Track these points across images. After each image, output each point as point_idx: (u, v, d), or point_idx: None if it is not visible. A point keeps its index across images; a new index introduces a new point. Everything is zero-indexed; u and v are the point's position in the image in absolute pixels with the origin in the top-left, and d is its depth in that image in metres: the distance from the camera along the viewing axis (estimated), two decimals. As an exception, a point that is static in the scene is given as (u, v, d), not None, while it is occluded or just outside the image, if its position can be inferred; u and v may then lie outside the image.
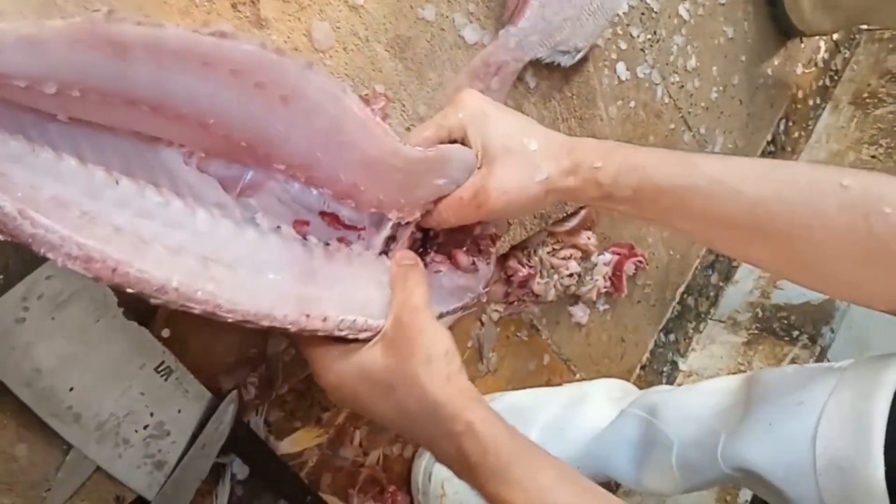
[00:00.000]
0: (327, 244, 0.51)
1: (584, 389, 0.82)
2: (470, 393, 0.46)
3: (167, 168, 0.46)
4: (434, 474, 0.72)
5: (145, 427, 0.54)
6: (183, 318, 0.49)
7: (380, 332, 0.49)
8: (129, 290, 0.41)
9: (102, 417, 0.52)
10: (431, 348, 0.46)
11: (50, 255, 0.40)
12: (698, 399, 0.74)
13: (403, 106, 0.65)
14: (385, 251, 0.55)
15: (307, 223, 0.51)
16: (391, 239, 0.55)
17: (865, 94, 1.25)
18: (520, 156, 0.54)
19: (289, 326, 0.46)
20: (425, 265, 0.55)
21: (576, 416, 0.78)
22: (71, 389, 0.50)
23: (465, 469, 0.45)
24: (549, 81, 0.74)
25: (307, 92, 0.45)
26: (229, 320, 0.44)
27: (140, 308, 0.51)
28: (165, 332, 0.54)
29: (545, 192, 0.55)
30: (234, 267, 0.45)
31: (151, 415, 0.54)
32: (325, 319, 0.47)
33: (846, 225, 0.48)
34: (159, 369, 0.54)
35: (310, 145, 0.47)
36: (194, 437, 0.56)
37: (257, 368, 0.60)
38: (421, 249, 0.58)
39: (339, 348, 0.49)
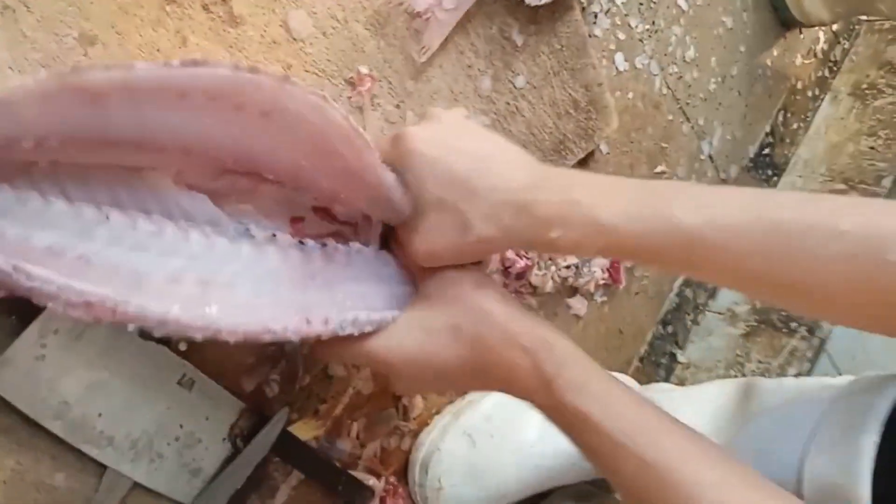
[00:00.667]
0: (324, 244, 0.51)
1: None
2: (528, 311, 0.49)
3: (155, 192, 0.46)
4: (431, 467, 0.72)
5: (176, 439, 0.55)
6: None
7: (386, 323, 0.50)
8: (131, 327, 0.42)
9: (134, 436, 0.53)
10: (476, 278, 0.50)
11: (50, 305, 0.41)
12: (694, 406, 0.74)
13: (391, 83, 0.64)
14: (385, 246, 0.54)
15: (302, 219, 0.51)
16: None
17: (865, 86, 1.24)
18: (450, 213, 0.49)
19: (291, 336, 0.46)
20: None
21: None
22: (100, 415, 0.51)
23: (541, 385, 0.46)
24: (537, 37, 0.74)
25: (287, 105, 0.45)
26: (231, 342, 0.45)
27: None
28: (183, 346, 0.55)
29: (483, 249, 0.50)
30: (232, 286, 0.45)
31: (181, 426, 0.55)
32: (326, 322, 0.47)
33: (847, 276, 0.43)
34: (182, 382, 0.55)
35: (294, 156, 0.47)
36: (224, 439, 0.58)
37: (277, 365, 0.61)
38: None
39: (383, 332, 0.50)
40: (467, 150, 0.50)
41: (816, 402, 0.61)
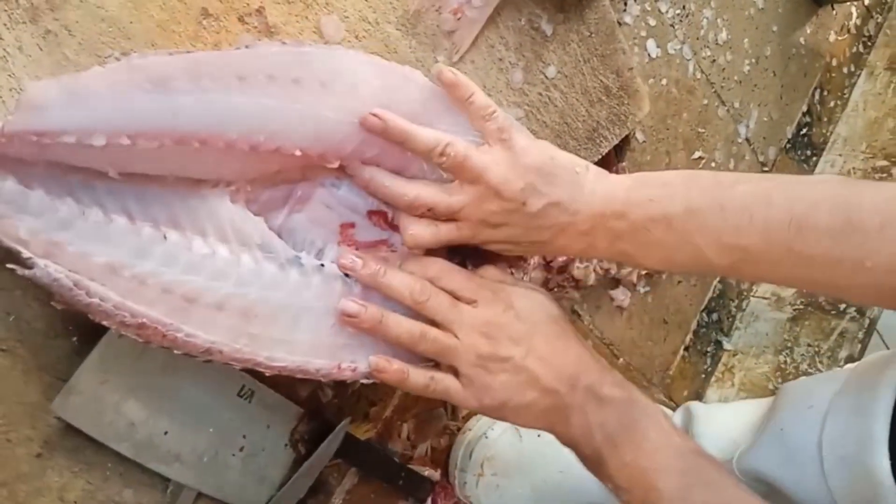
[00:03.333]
0: None
1: None
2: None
3: (213, 212, 0.47)
4: (475, 452, 0.72)
5: (241, 449, 0.56)
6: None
7: None
8: (177, 352, 0.45)
9: (200, 451, 0.54)
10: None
11: (105, 323, 0.43)
12: (728, 412, 0.75)
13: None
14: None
15: (353, 225, 0.52)
16: None
17: (899, 60, 1.22)
18: None
19: (321, 378, 0.49)
20: None
21: None
22: (165, 433, 0.52)
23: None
24: (566, 25, 0.73)
25: (343, 68, 0.46)
26: (267, 374, 0.48)
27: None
28: None
29: None
30: (274, 318, 0.47)
31: (244, 437, 0.56)
32: (354, 370, 0.50)
33: (877, 299, 0.48)
34: (241, 394, 0.56)
35: (357, 123, 0.48)
36: (286, 445, 0.59)
37: None
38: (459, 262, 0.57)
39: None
40: None
41: (830, 385, 0.61)
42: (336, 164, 0.48)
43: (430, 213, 0.51)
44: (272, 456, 0.58)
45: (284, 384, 0.59)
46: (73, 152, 0.41)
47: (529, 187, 0.50)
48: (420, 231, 0.51)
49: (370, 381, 0.51)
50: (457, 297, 0.50)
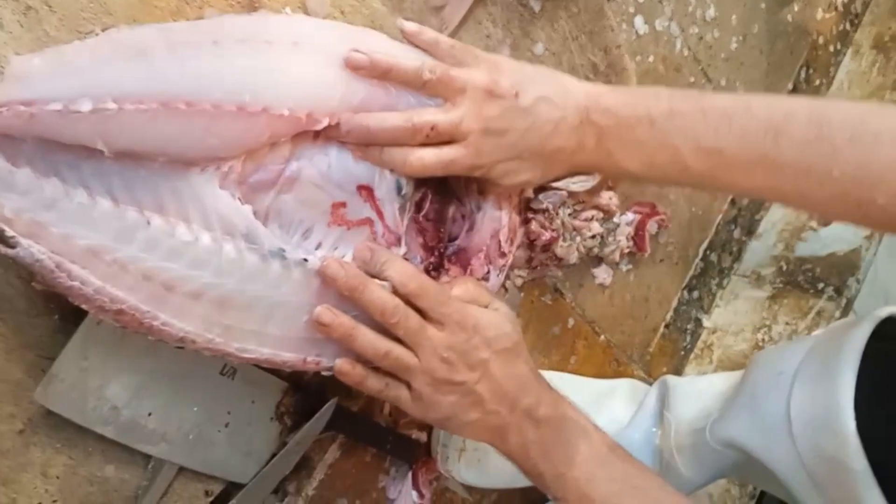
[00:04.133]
0: None
1: (612, 385, 0.85)
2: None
3: (199, 198, 0.46)
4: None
5: (226, 425, 0.57)
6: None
7: None
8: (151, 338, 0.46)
9: (185, 429, 0.55)
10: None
11: (84, 307, 0.44)
12: (703, 384, 0.77)
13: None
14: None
15: (344, 205, 0.51)
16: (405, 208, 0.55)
17: (887, 38, 1.22)
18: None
19: (287, 368, 0.51)
20: (440, 275, 0.57)
21: (599, 411, 0.80)
22: (150, 414, 0.53)
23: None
24: (554, 1, 0.73)
25: (308, 30, 0.48)
26: (235, 362, 0.50)
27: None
28: None
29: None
30: (249, 309, 0.48)
31: (229, 413, 0.57)
32: (318, 363, 0.52)
33: (840, 211, 0.52)
34: (223, 372, 0.56)
35: (337, 72, 0.49)
36: (272, 419, 0.60)
37: None
38: (436, 261, 0.57)
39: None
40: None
41: (799, 350, 0.63)
42: (325, 123, 0.48)
43: (433, 135, 0.51)
44: (258, 430, 0.59)
45: (268, 362, 0.59)
46: (61, 123, 0.41)
47: (517, 82, 0.52)
48: (425, 153, 0.51)
49: (330, 374, 0.52)
50: (426, 318, 0.51)
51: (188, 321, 0.46)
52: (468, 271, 0.57)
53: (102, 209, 0.43)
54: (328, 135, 0.50)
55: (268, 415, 0.59)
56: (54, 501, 0.51)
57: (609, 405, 0.81)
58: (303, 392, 0.61)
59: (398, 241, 0.54)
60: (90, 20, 0.48)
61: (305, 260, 0.49)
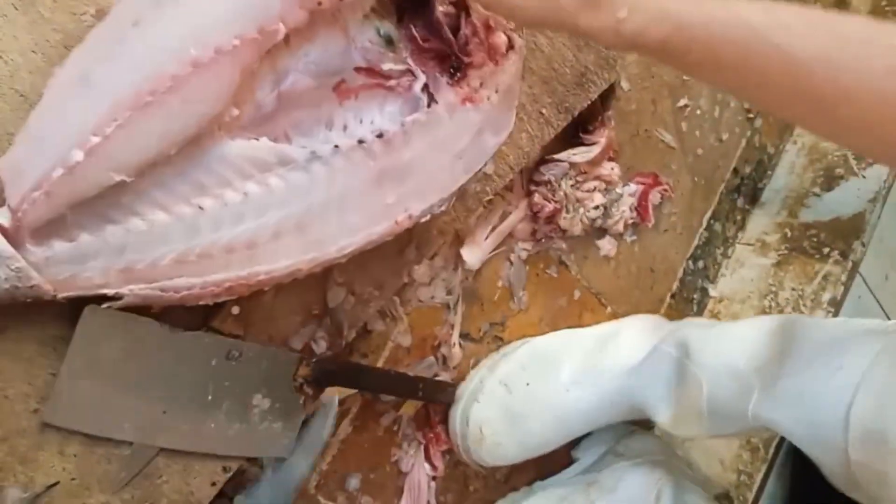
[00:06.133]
0: (380, 135, 0.51)
1: (616, 326, 0.82)
2: None
3: (224, 159, 0.48)
4: (471, 418, 0.73)
5: (246, 406, 0.57)
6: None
7: None
8: (266, 289, 0.51)
9: (204, 419, 0.55)
10: None
11: (201, 302, 0.48)
12: (732, 343, 0.71)
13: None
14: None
15: (343, 81, 0.52)
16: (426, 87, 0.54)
17: (884, 2, 1.21)
18: None
19: (388, 237, 0.53)
20: (466, 71, 0.54)
21: (609, 351, 0.78)
22: (164, 412, 0.54)
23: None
24: None
25: None
26: (344, 262, 0.53)
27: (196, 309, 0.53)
28: (235, 310, 0.57)
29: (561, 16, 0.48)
30: (324, 216, 0.50)
31: (247, 395, 0.57)
32: (410, 217, 0.54)
33: (886, 93, 0.44)
34: (229, 357, 0.56)
35: None
36: (292, 392, 0.60)
37: (322, 322, 0.62)
38: (456, 61, 0.55)
39: None
40: None
41: (867, 348, 0.59)
42: (283, 30, 0.47)
43: None
44: (282, 405, 0.59)
45: (277, 337, 0.60)
46: (74, 181, 0.43)
47: None
48: None
49: (427, 217, 0.55)
50: None
51: (284, 259, 0.49)
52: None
53: (161, 222, 0.46)
54: (298, 34, 0.49)
55: (287, 388, 0.59)
56: (72, 479, 0.51)
57: (615, 342, 0.79)
58: (316, 360, 0.61)
59: (412, 74, 0.54)
60: (83, 2, 0.48)
61: (337, 147, 0.50)
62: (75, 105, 0.44)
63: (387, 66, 0.53)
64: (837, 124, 0.47)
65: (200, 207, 0.47)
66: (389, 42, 0.52)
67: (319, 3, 0.48)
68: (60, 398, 0.50)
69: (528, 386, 0.76)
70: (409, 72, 0.53)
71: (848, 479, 0.58)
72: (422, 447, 0.74)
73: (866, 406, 0.56)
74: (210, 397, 0.55)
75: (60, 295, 0.46)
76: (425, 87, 0.53)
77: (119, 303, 0.47)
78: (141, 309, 0.50)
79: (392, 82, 0.53)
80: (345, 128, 0.52)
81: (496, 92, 0.55)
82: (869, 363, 0.57)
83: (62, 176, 0.43)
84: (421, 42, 0.54)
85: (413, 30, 0.53)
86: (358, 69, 0.52)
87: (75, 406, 0.50)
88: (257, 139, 0.49)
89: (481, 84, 0.54)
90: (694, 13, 0.46)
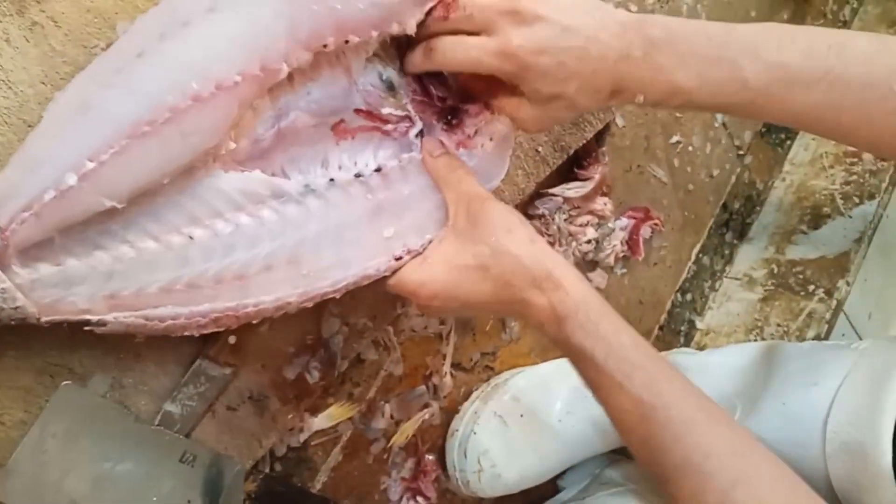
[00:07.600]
0: (378, 169, 0.52)
1: None
2: (553, 253, 0.51)
3: (217, 190, 0.48)
4: (469, 450, 0.74)
5: None
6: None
7: (442, 230, 0.54)
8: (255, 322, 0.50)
9: None
10: (508, 221, 0.51)
11: (186, 333, 0.48)
12: (718, 369, 0.74)
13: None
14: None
15: (342, 121, 0.53)
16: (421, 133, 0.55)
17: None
18: (560, 100, 0.50)
19: (386, 273, 0.53)
20: (462, 118, 0.55)
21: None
22: None
23: (554, 321, 0.49)
24: None
25: None
26: (338, 297, 0.52)
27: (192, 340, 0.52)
28: (232, 339, 0.57)
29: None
30: (317, 250, 0.50)
31: (189, 502, 0.55)
32: (409, 251, 0.53)
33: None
34: (183, 459, 0.55)
35: (267, 14, 0.46)
36: (234, 499, 0.58)
37: (317, 353, 0.63)
38: (452, 107, 0.56)
39: (414, 263, 0.53)
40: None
41: (840, 364, 0.62)
42: (286, 69, 0.47)
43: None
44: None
45: (270, 367, 0.60)
46: (65, 205, 0.43)
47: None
48: (449, 43, 0.50)
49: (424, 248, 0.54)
50: None
51: (274, 291, 0.49)
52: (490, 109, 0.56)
53: (150, 251, 0.46)
54: (301, 72, 0.49)
55: (231, 500, 0.58)
56: None
57: None
58: (265, 476, 0.62)
59: (409, 120, 0.54)
60: (95, 35, 0.49)
61: (332, 180, 0.50)
62: (73, 130, 0.43)
63: (386, 111, 0.53)
64: (845, 141, 0.55)
65: (191, 237, 0.47)
66: (391, 87, 0.53)
67: (325, 46, 0.49)
68: (14, 475, 0.48)
69: (523, 417, 0.77)
70: (408, 118, 0.54)
71: (829, 492, 0.60)
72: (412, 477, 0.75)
73: (841, 420, 0.58)
74: (154, 498, 0.54)
75: (44, 318, 0.45)
76: (420, 134, 0.54)
77: (103, 329, 0.46)
78: (125, 345, 0.51)
79: (389, 126, 0.54)
80: (339, 167, 0.53)
81: (490, 140, 0.56)
82: (842, 378, 0.60)
83: (54, 199, 0.42)
84: (422, 93, 0.55)
85: (416, 81, 0.54)
86: (358, 111, 0.53)
87: (26, 486, 0.49)
88: (251, 171, 0.49)
89: (476, 132, 0.55)
90: (701, 90, 0.50)
